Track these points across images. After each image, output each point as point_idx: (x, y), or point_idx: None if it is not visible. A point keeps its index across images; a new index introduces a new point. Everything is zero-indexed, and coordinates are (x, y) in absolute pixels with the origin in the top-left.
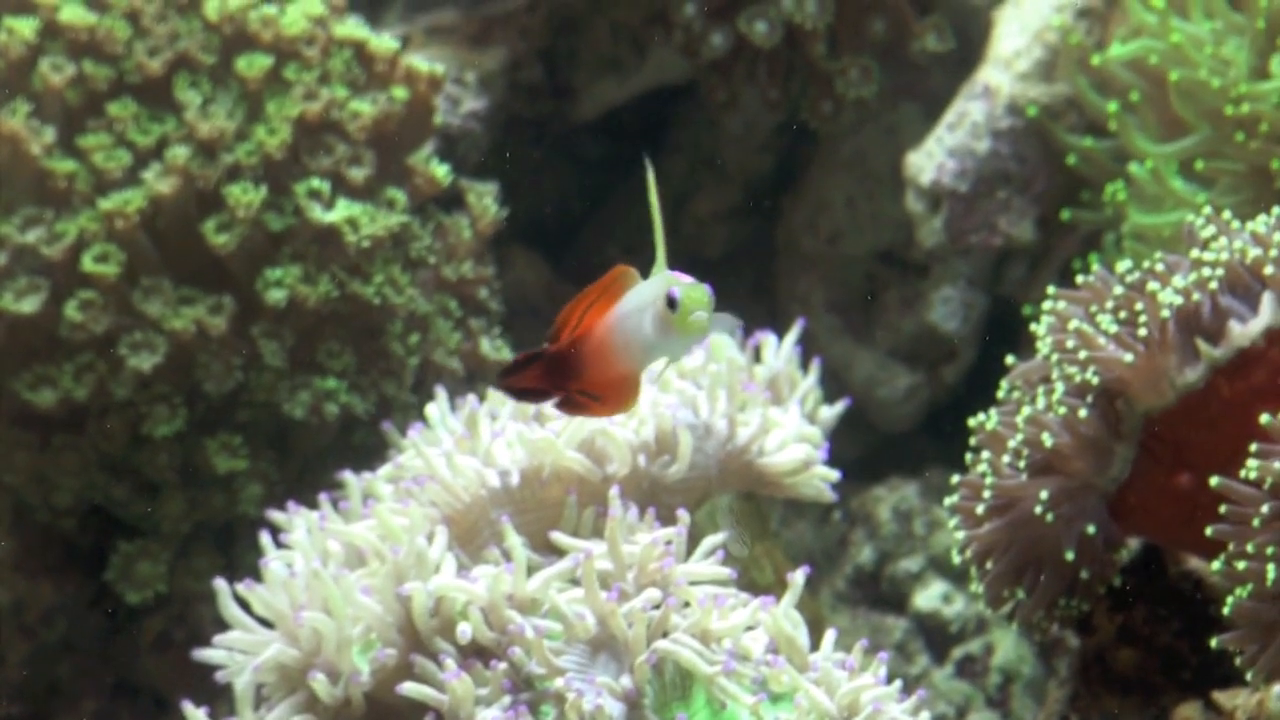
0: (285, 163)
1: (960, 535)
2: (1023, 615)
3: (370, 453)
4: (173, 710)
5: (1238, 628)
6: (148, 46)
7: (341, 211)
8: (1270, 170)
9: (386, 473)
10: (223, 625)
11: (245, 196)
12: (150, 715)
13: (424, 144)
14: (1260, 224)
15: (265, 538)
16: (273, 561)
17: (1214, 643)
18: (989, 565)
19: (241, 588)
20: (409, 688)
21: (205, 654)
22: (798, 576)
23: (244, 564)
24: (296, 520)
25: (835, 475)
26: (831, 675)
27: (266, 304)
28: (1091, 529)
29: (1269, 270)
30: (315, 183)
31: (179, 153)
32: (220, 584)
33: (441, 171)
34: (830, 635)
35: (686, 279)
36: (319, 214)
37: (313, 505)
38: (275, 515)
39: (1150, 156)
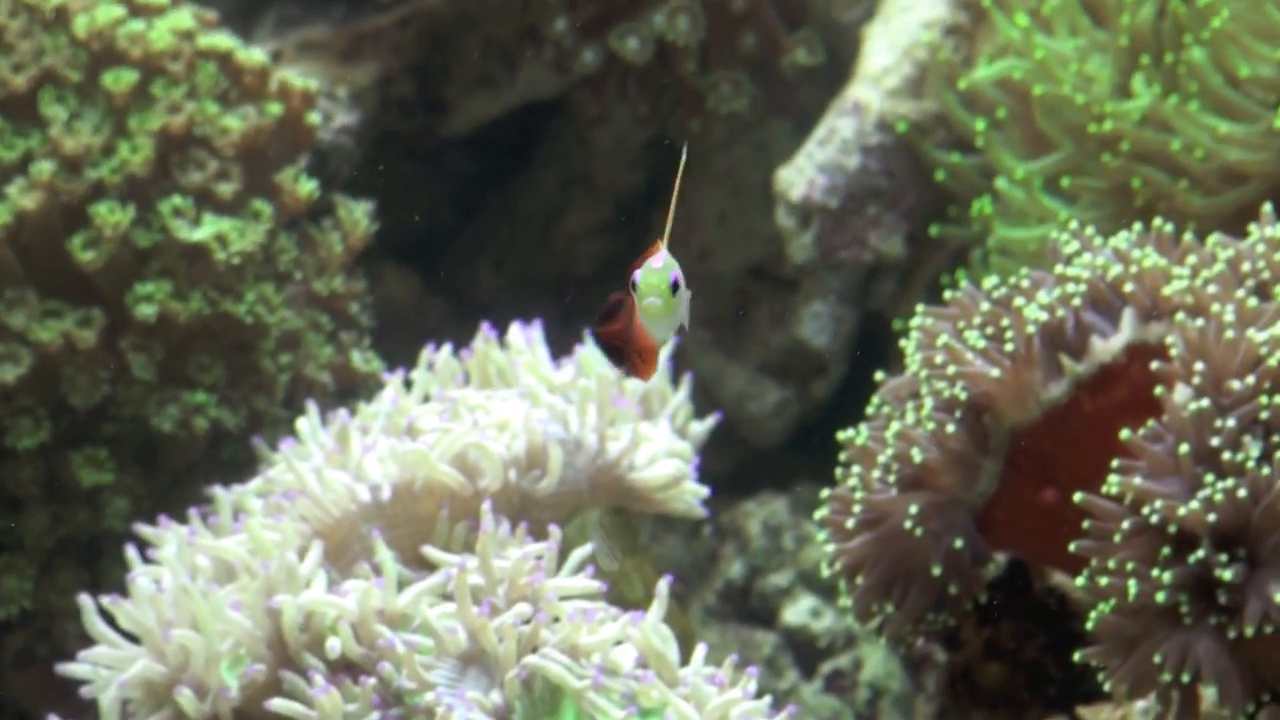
0: (152, 178)
1: (830, 549)
2: (891, 629)
3: (240, 468)
4: None
5: (1101, 643)
6: (12, 62)
7: (209, 229)
8: (1132, 188)
9: (256, 486)
10: (87, 641)
11: (112, 217)
12: None
13: (299, 158)
14: (1122, 240)
15: (132, 552)
16: (140, 577)
17: (1077, 657)
18: (858, 579)
19: (107, 601)
20: (277, 704)
21: (70, 669)
22: (662, 587)
23: (109, 579)
24: (165, 535)
25: (705, 491)
26: (701, 690)
27: (136, 319)
28: (959, 544)
29: (1129, 287)
30: (179, 200)
31: (44, 168)
32: (85, 599)
33: (308, 188)
34: (700, 650)
35: (660, 261)
36: (185, 232)
37: (182, 520)
38: (143, 529)
39: (1017, 172)
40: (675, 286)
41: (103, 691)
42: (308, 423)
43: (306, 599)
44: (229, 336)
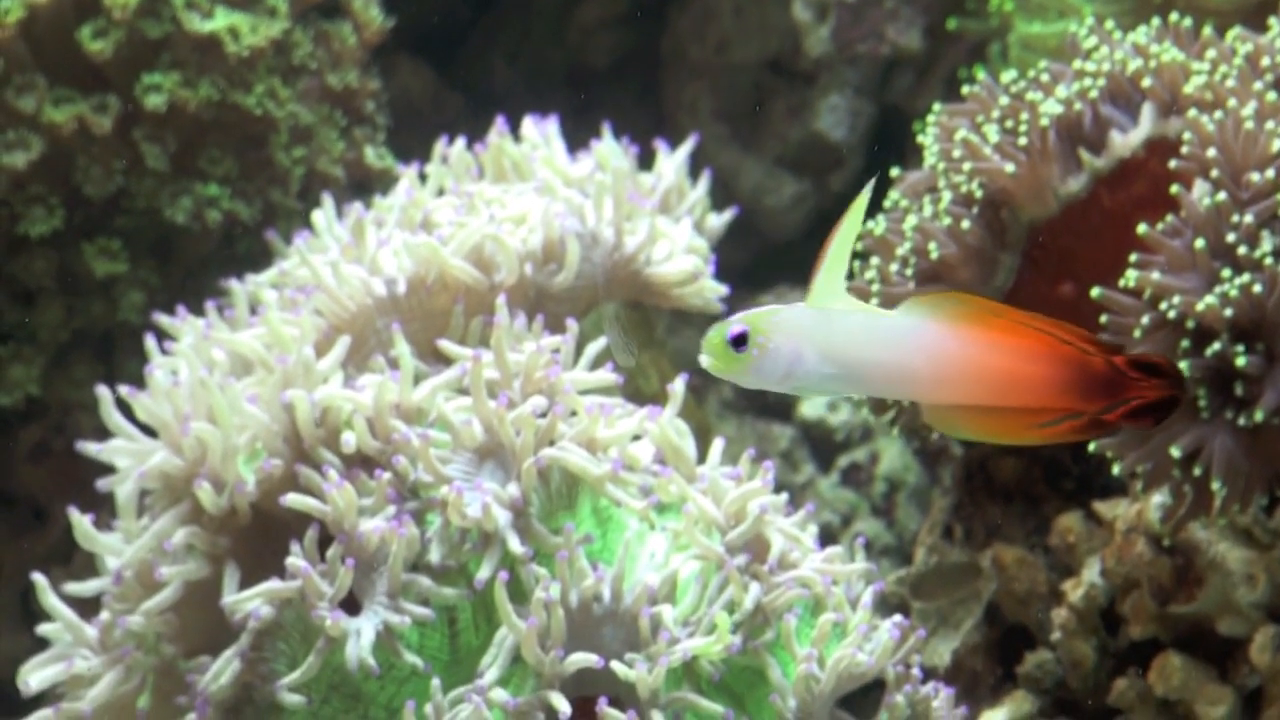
0: None
1: None
2: (905, 420)
3: (254, 262)
4: (50, 519)
5: (1116, 434)
6: None
7: (221, 20)
8: None
9: (270, 277)
10: (103, 435)
11: (120, 1)
12: (28, 525)
13: None
14: (1141, 35)
15: (151, 342)
16: (157, 370)
17: (1092, 447)
18: None
19: (125, 392)
20: (292, 499)
21: (92, 450)
22: (678, 385)
23: (124, 373)
24: (182, 327)
25: (724, 290)
26: (719, 484)
27: (146, 109)
28: None
29: (1148, 82)
30: None
31: None
32: (102, 390)
33: None
34: (718, 444)
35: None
36: (197, 23)
37: (199, 313)
38: (161, 319)
39: None
40: (740, 341)
41: (119, 485)
42: (323, 215)
43: (322, 393)
44: (240, 130)
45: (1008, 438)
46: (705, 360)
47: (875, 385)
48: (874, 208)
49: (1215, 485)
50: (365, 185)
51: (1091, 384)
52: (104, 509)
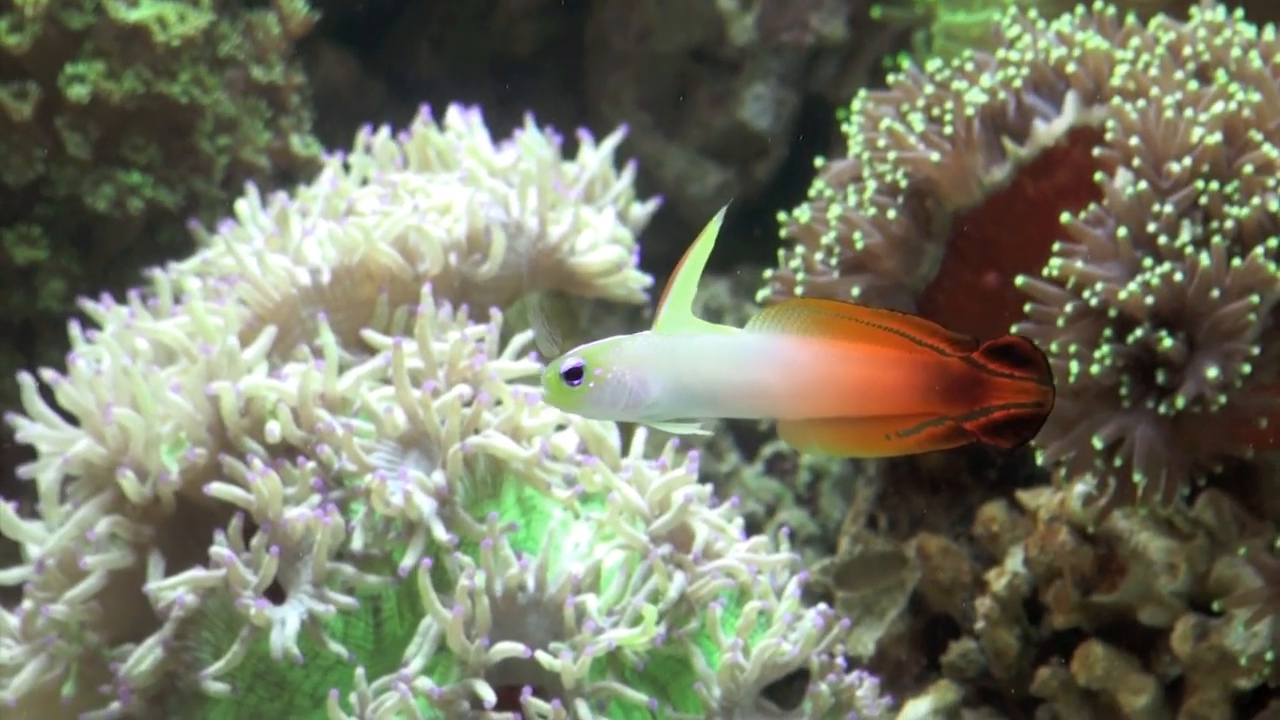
0: None
1: None
2: None
3: (177, 251)
4: None
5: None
6: None
7: (148, 9)
8: None
9: (193, 265)
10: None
11: None
12: None
13: None
14: (1065, 23)
15: (75, 329)
16: (79, 358)
17: None
18: None
19: (49, 377)
20: (216, 488)
21: (22, 435)
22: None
23: (45, 362)
24: (106, 315)
25: (648, 280)
26: (643, 474)
27: (69, 99)
28: None
29: (1072, 68)
30: None
31: None
32: (25, 377)
33: None
34: (641, 434)
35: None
36: (123, 12)
37: (122, 302)
38: (87, 304)
39: None
40: (573, 375)
41: (41, 472)
42: (247, 205)
43: (246, 383)
44: (165, 118)
45: (864, 450)
46: (542, 395)
47: (730, 406)
48: (796, 199)
49: (1136, 476)
50: (290, 174)
51: (951, 387)
52: (25, 497)
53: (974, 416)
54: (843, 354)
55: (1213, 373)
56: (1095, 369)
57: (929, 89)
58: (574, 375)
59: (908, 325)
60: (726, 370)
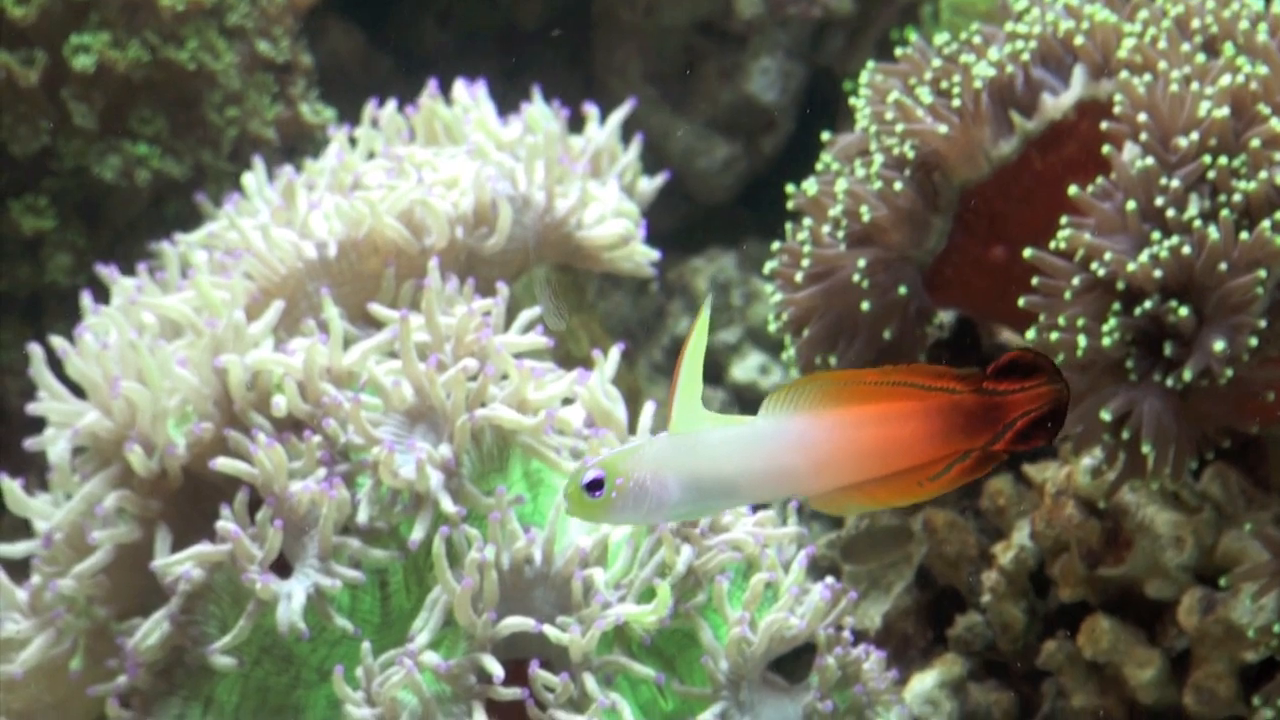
0: None
1: (777, 299)
2: None
3: (183, 224)
4: None
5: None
6: None
7: None
8: None
9: (199, 238)
10: (30, 398)
11: None
12: None
13: None
14: None
15: (87, 299)
16: (86, 332)
17: None
18: (804, 331)
19: (58, 342)
20: (222, 463)
21: (32, 407)
22: (613, 352)
23: (52, 336)
24: (114, 287)
25: (655, 254)
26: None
27: (75, 70)
28: (904, 291)
29: (1079, 41)
30: None
31: None
32: (35, 348)
33: None
34: (649, 408)
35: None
36: None
37: (129, 276)
38: (100, 270)
39: None
40: (594, 486)
41: (50, 445)
42: (253, 178)
43: (253, 357)
44: (172, 88)
45: (902, 500)
46: (565, 508)
47: (755, 493)
48: (803, 172)
49: (1145, 449)
50: (297, 147)
51: (969, 422)
52: (31, 471)
53: (998, 437)
54: (856, 420)
55: (1220, 346)
56: (1108, 340)
57: (936, 62)
58: (595, 487)
59: (914, 374)
60: (746, 461)
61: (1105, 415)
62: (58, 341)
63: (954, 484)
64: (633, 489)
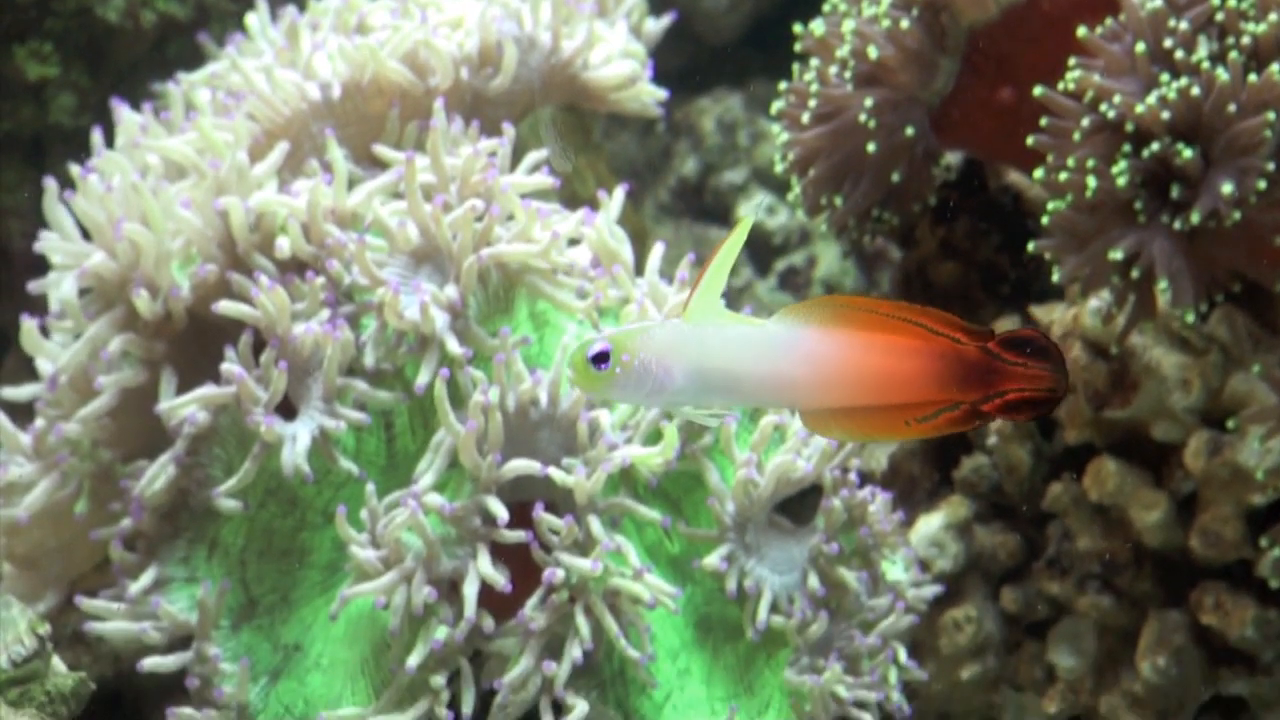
0: None
1: (784, 138)
2: (837, 220)
3: (186, 65)
4: None
5: (1056, 237)
6: None
7: None
8: None
9: (202, 77)
10: (33, 239)
11: None
12: None
13: None
14: None
15: (97, 136)
16: (90, 174)
17: (1031, 247)
18: (810, 171)
19: (77, 173)
20: (224, 306)
21: (39, 245)
22: (618, 192)
23: (56, 177)
24: (118, 127)
25: (663, 94)
26: (658, 289)
27: None
28: (911, 132)
29: None
30: None
31: None
32: (50, 183)
33: None
34: (658, 248)
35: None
36: None
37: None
38: (114, 105)
39: None
40: (600, 359)
41: (54, 287)
42: (256, 18)
43: (256, 199)
44: None
45: (884, 436)
46: (568, 374)
47: (754, 396)
48: (811, 12)
49: (1161, 284)
50: None
51: (967, 374)
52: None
53: (989, 399)
54: (865, 344)
55: (1228, 188)
56: (1122, 181)
57: None
58: (601, 360)
59: (926, 316)
60: (752, 361)
61: (1115, 255)
62: (76, 170)
63: (938, 431)
64: (637, 368)
